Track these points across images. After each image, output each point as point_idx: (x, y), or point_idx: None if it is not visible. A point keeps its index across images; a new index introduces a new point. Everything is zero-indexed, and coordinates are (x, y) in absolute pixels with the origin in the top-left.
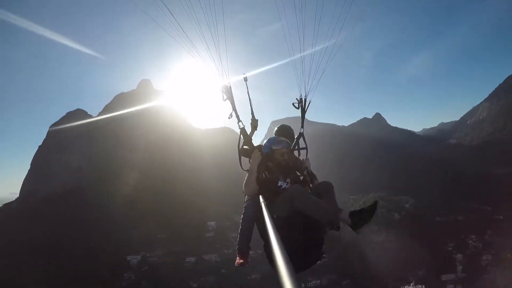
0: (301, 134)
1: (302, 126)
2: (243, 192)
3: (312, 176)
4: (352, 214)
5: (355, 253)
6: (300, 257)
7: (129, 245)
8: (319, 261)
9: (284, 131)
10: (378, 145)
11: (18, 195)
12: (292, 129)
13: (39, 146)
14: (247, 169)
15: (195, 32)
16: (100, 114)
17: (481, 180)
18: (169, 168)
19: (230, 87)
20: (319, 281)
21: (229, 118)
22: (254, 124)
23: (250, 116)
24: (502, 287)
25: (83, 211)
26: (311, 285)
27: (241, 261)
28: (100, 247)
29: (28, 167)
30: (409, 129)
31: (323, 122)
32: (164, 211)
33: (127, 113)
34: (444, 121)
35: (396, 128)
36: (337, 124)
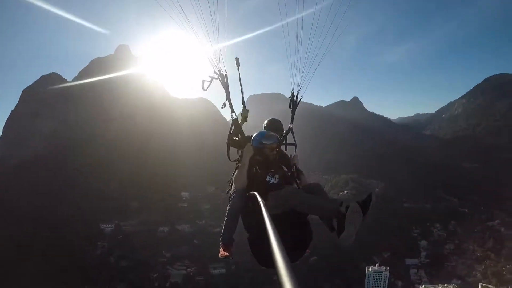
0: (290, 130)
1: (292, 122)
2: (228, 182)
3: (299, 173)
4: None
5: (323, 232)
6: (290, 252)
7: (102, 214)
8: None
9: (274, 125)
10: (354, 128)
11: None
12: (281, 124)
13: (11, 111)
14: (234, 159)
15: (190, 6)
16: (75, 79)
17: (450, 172)
18: (145, 136)
19: (226, 75)
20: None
21: (222, 107)
22: (245, 114)
23: (240, 105)
24: (463, 276)
25: (56, 179)
26: None
27: (226, 253)
28: (73, 215)
29: (0, 132)
30: (385, 115)
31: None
32: (139, 180)
33: (103, 78)
34: (420, 112)
35: (372, 113)
36: (314, 104)
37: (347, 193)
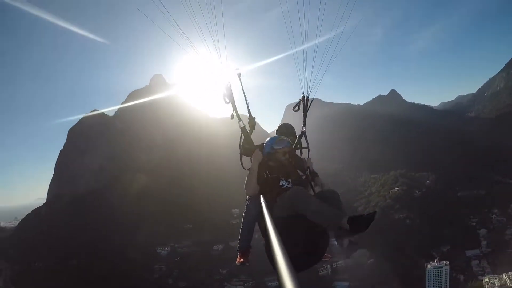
0: (303, 133)
1: (304, 125)
2: (245, 191)
3: (314, 175)
4: (352, 219)
5: (379, 232)
6: (300, 258)
7: (158, 238)
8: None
9: (285, 129)
10: (396, 122)
11: (45, 200)
12: (293, 128)
13: (61, 150)
14: (248, 168)
15: (192, 28)
16: (116, 113)
17: (502, 153)
18: (189, 159)
19: (230, 86)
20: (343, 261)
21: (231, 118)
22: (252, 123)
23: (247, 115)
24: None
25: (108, 210)
26: (337, 265)
27: (242, 260)
28: (129, 243)
29: (52, 172)
30: (426, 104)
31: (339, 102)
32: (188, 203)
33: (142, 109)
34: (462, 94)
35: (413, 103)
36: (353, 103)
37: (397, 189)
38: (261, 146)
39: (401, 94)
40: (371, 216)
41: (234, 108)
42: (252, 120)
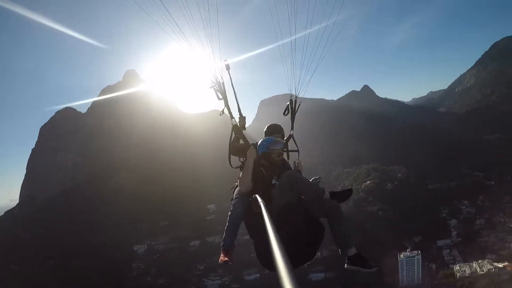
0: (290, 136)
1: (292, 128)
2: (232, 189)
3: None
4: (332, 193)
5: (353, 223)
6: (302, 248)
7: (134, 237)
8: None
9: (275, 130)
10: (369, 117)
11: (18, 201)
12: (282, 127)
13: (32, 149)
14: (236, 166)
15: (184, 20)
16: (89, 110)
17: (471, 147)
18: (164, 156)
19: (223, 82)
20: (319, 253)
21: (220, 115)
22: (242, 123)
23: (235, 113)
24: (496, 250)
25: (83, 209)
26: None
27: (226, 258)
28: (105, 242)
29: (24, 172)
30: (398, 99)
31: (312, 97)
32: (164, 199)
33: (115, 105)
34: (433, 90)
35: (385, 99)
36: (326, 98)
37: (370, 182)
38: (255, 145)
39: (374, 90)
40: (348, 191)
41: (226, 105)
42: (242, 119)
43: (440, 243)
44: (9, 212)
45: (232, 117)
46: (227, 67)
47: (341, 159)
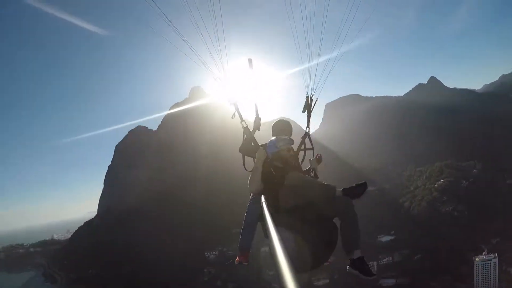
0: (306, 134)
1: (308, 126)
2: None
3: (316, 177)
4: (345, 190)
5: (426, 226)
6: (318, 249)
7: (206, 244)
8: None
9: (281, 126)
10: (438, 110)
11: (95, 213)
12: (290, 124)
13: (109, 166)
14: (250, 170)
15: (197, 37)
16: (159, 127)
17: None
18: (231, 166)
19: (233, 91)
20: (391, 258)
21: (232, 117)
22: (257, 123)
23: (253, 113)
24: None
25: (158, 220)
26: (383, 262)
27: (239, 259)
28: (179, 251)
29: (102, 187)
30: (468, 88)
31: (378, 95)
32: (236, 207)
33: (184, 120)
34: (505, 73)
35: (454, 89)
36: (393, 95)
37: (443, 181)
38: (264, 146)
39: (441, 81)
40: (362, 185)
41: (237, 109)
42: (257, 120)
43: None
44: (89, 223)
45: (242, 119)
46: (250, 64)
47: (412, 158)
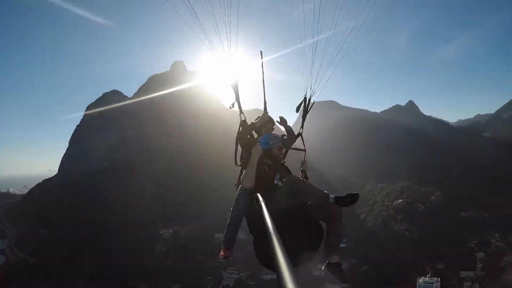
0: (299, 134)
1: (302, 127)
2: (235, 185)
3: (306, 179)
4: (337, 198)
5: (377, 240)
6: (301, 251)
7: (162, 220)
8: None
9: (269, 121)
10: (410, 134)
11: (56, 172)
12: (272, 119)
13: (77, 126)
14: (239, 164)
15: (207, 17)
16: (135, 95)
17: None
18: (203, 149)
19: (237, 78)
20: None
21: (230, 108)
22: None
23: (262, 108)
24: None
25: (118, 189)
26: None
27: (225, 253)
28: (134, 222)
29: (65, 146)
30: (444, 119)
31: (355, 107)
32: (197, 189)
33: (160, 94)
34: (481, 113)
35: (430, 117)
36: (369, 110)
37: (402, 201)
38: (256, 140)
39: (419, 106)
40: (354, 195)
41: (237, 99)
42: (265, 115)
43: (463, 274)
44: (48, 181)
45: (241, 111)
46: (261, 55)
47: (376, 173)
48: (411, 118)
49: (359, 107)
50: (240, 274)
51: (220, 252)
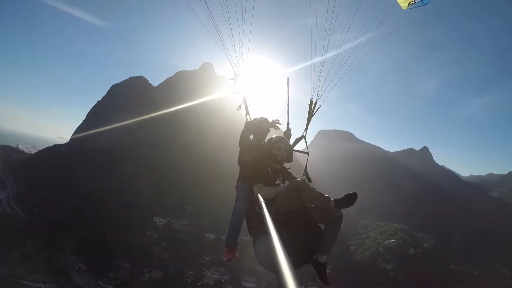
0: (302, 137)
1: (306, 129)
2: (235, 186)
3: (309, 181)
4: (336, 201)
5: (361, 273)
6: (300, 253)
7: (159, 209)
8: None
9: (264, 118)
10: (418, 178)
11: (66, 141)
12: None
13: (98, 101)
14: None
15: (225, 27)
16: (160, 85)
17: (509, 241)
18: (216, 147)
19: (243, 87)
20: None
21: (238, 109)
22: (288, 134)
23: (284, 124)
24: None
25: (126, 170)
26: None
27: (229, 256)
28: (131, 204)
29: (82, 118)
30: (456, 171)
31: (370, 142)
32: (200, 187)
33: (185, 91)
34: (494, 172)
35: (442, 167)
36: (383, 148)
37: (393, 241)
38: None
39: (433, 154)
40: (353, 195)
41: (244, 100)
42: (288, 131)
43: None
44: (57, 147)
45: (247, 113)
46: (287, 82)
47: (374, 209)
48: (423, 164)
49: (373, 143)
50: (221, 276)
51: (223, 254)
